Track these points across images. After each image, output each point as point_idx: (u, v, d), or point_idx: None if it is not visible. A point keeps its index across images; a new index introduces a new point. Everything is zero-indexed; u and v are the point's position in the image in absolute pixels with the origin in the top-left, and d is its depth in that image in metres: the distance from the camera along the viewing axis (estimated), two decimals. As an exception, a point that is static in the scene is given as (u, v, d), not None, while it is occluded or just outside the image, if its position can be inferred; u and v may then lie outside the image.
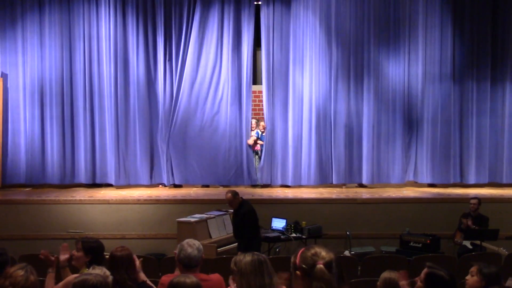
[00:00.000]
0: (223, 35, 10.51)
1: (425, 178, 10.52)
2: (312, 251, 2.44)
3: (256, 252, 3.11)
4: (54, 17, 10.37)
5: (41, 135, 10.41)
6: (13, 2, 10.32)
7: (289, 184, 10.55)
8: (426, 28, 10.50)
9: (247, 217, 7.15)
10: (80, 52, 10.39)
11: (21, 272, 2.95)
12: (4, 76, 10.26)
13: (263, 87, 10.59)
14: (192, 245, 3.87)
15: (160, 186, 10.68)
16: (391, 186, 10.57)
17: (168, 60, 10.52)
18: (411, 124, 10.61)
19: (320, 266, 2.38)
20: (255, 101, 11.39)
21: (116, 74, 10.41)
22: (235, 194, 7.22)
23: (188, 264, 3.82)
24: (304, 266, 2.40)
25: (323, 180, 10.56)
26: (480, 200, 8.30)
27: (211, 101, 10.51)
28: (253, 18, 10.52)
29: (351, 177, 10.62)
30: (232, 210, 7.58)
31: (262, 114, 10.87)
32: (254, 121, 10.91)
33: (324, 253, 2.42)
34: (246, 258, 3.05)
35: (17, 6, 10.32)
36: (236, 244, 7.45)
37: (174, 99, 10.47)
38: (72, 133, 10.47)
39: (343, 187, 10.61)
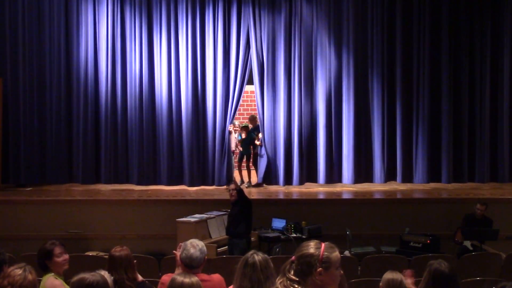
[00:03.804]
0: (217, 34, 10.50)
1: (424, 178, 10.49)
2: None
3: (259, 253, 3.09)
4: (55, 14, 10.40)
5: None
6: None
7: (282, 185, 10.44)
8: (422, 30, 10.49)
9: (248, 206, 7.43)
10: (83, 51, 10.44)
11: (19, 272, 2.94)
12: (4, 75, 10.24)
13: (258, 87, 10.50)
14: (195, 246, 3.83)
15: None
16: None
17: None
18: (411, 124, 10.59)
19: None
20: (247, 101, 11.33)
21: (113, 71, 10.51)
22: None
23: (190, 264, 3.80)
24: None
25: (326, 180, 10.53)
26: (488, 204, 8.15)
27: (208, 101, 10.51)
28: (249, 17, 10.46)
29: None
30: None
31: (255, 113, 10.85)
32: (237, 122, 10.83)
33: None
34: (245, 256, 3.05)
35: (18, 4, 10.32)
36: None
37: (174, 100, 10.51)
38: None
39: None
